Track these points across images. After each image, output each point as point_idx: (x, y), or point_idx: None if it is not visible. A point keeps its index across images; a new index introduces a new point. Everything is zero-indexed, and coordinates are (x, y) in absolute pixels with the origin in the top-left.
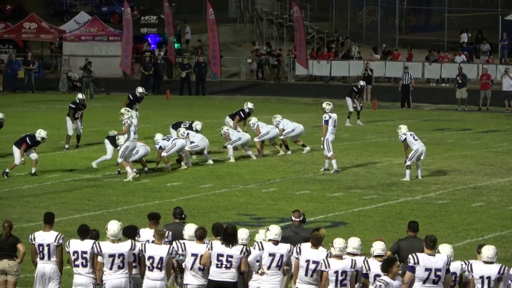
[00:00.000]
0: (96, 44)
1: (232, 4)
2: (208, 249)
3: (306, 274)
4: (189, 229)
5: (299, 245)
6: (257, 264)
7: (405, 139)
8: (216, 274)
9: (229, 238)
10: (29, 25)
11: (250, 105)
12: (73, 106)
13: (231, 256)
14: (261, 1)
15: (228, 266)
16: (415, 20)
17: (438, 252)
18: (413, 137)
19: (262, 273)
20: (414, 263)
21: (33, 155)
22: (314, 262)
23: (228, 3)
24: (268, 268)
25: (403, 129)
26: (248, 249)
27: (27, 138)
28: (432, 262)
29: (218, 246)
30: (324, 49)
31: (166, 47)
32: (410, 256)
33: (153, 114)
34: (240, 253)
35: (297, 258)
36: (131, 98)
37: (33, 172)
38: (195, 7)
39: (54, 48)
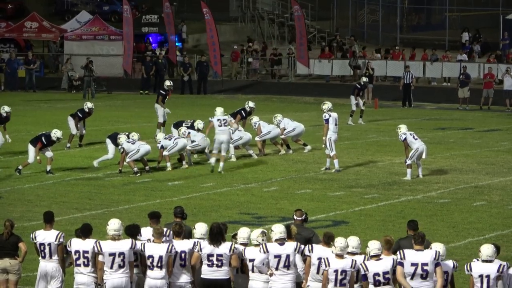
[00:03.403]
0: (97, 43)
1: (233, 3)
2: (197, 251)
3: (317, 272)
4: (200, 228)
5: (310, 244)
6: (264, 266)
7: (405, 138)
8: (209, 272)
9: (216, 237)
10: (31, 24)
11: (251, 104)
12: (81, 115)
13: (221, 255)
14: (262, 0)
15: (219, 264)
16: (416, 19)
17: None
18: (413, 137)
19: (271, 274)
20: (401, 258)
21: (48, 153)
22: None
23: (229, 2)
24: (276, 269)
25: (402, 128)
26: (236, 246)
27: (43, 138)
28: (419, 257)
29: (206, 247)
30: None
31: (167, 46)
32: (397, 252)
33: (154, 113)
34: (229, 251)
35: (309, 256)
36: (163, 93)
37: (48, 170)
38: (196, 6)
39: (55, 47)
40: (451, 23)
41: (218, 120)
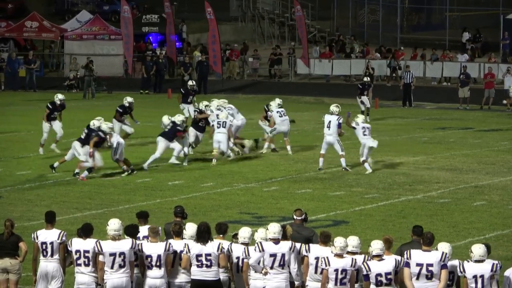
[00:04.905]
0: (97, 43)
1: (233, 3)
2: (186, 252)
3: (315, 272)
4: (190, 229)
5: (306, 244)
6: (259, 265)
7: (354, 128)
8: (198, 273)
9: (203, 235)
10: (31, 24)
11: (278, 100)
12: (121, 110)
13: (209, 255)
14: (262, 0)
15: (209, 264)
16: (416, 19)
17: (437, 249)
18: (363, 132)
19: (266, 273)
20: (407, 258)
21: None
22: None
23: (230, 2)
24: (271, 268)
25: (360, 118)
26: (224, 245)
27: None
28: (425, 257)
29: (194, 247)
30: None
31: (167, 46)
32: (404, 252)
33: (155, 113)
34: (217, 250)
35: (307, 256)
36: (183, 92)
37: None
38: (197, 6)
39: (55, 47)
40: (451, 23)
41: (277, 112)
